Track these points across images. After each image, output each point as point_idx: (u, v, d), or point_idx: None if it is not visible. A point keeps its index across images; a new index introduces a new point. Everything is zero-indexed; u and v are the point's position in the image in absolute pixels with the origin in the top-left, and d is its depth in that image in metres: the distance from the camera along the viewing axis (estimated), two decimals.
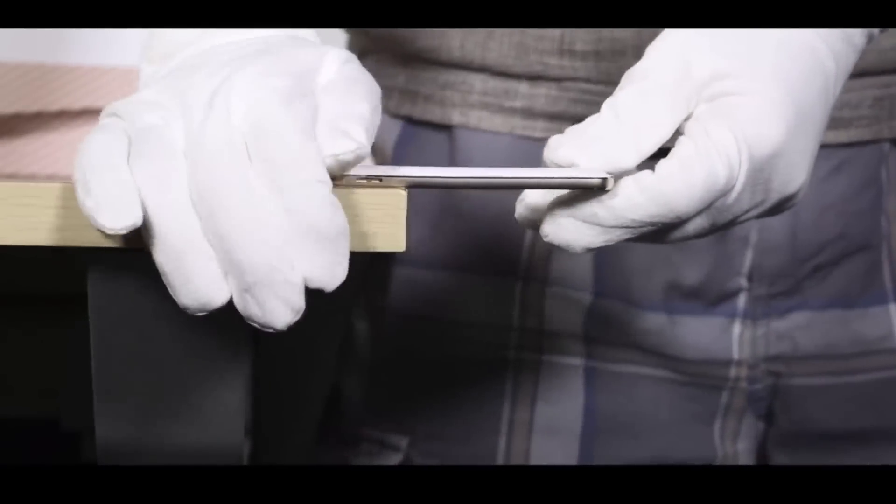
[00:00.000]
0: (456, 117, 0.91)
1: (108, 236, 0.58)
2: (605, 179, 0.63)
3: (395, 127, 0.94)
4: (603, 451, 0.91)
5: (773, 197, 0.67)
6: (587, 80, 0.88)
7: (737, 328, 0.91)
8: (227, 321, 0.65)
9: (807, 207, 0.89)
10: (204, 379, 0.66)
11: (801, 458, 0.92)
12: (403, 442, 0.93)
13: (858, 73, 0.85)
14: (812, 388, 0.91)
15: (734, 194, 0.65)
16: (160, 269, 0.58)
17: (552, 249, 0.89)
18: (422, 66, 0.92)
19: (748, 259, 0.90)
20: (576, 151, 0.63)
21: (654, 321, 0.91)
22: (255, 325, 0.58)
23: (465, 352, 0.92)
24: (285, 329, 0.58)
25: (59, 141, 0.93)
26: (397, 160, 0.93)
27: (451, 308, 0.92)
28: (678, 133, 0.65)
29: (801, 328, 0.91)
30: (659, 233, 0.66)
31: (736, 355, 0.91)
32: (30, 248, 0.61)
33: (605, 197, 0.63)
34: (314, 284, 0.57)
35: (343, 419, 0.97)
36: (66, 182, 0.61)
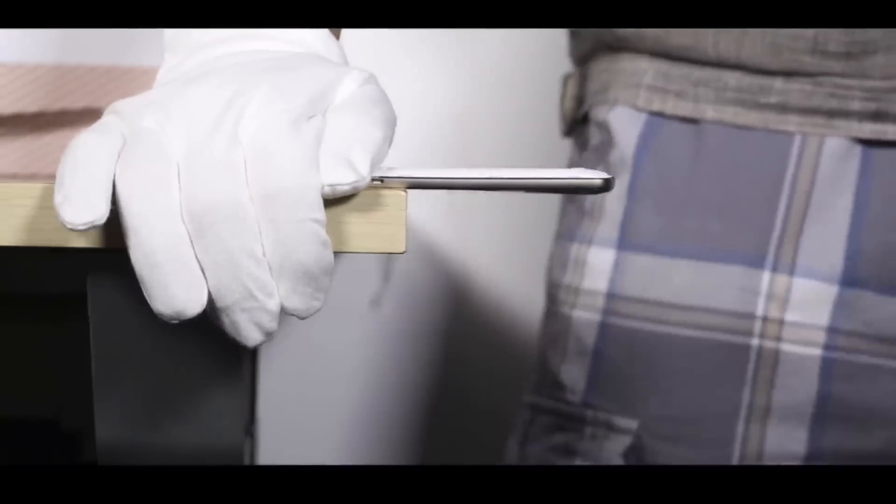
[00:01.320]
0: (710, 112, 0.95)
1: (81, 233, 0.58)
2: (606, 180, 0.63)
3: (639, 121, 0.97)
4: (833, 439, 0.93)
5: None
6: (841, 75, 0.92)
7: None
8: None
9: None
10: (204, 379, 0.66)
11: None
12: (634, 424, 0.95)
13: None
14: None
15: None
16: (136, 272, 0.58)
17: (802, 236, 0.92)
18: (672, 63, 0.96)
19: None
20: None
21: None
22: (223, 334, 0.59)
23: (704, 336, 0.94)
24: (254, 347, 0.60)
25: (60, 141, 0.93)
26: (640, 153, 0.96)
27: (689, 294, 0.94)
28: None
29: None
30: None
31: None
32: (29, 248, 0.61)
33: None
34: (289, 312, 0.59)
35: (562, 406, 0.99)
36: None
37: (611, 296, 0.97)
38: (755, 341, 0.93)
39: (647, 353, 0.95)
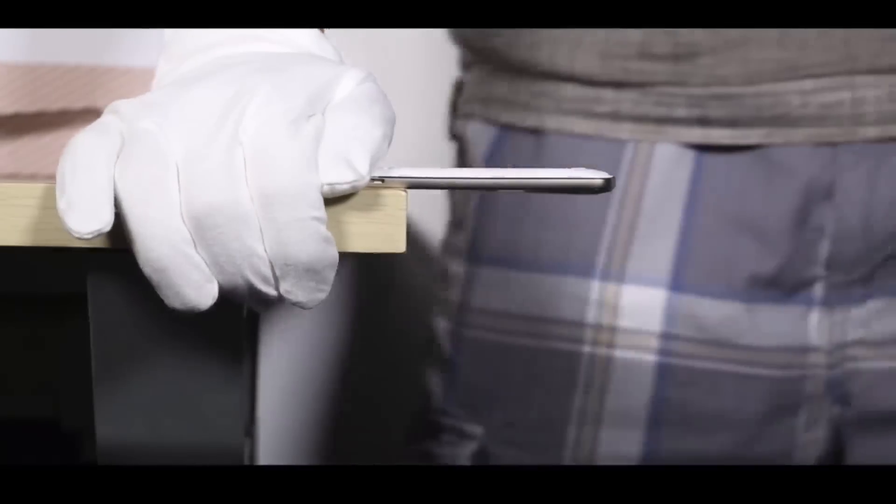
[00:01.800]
0: (551, 123, 0.97)
1: (82, 239, 0.58)
2: (607, 180, 0.63)
3: (490, 133, 1.00)
4: (670, 442, 0.94)
5: None
6: (665, 83, 0.93)
7: (814, 316, 0.94)
8: (228, 321, 0.65)
9: (880, 198, 0.92)
10: (204, 379, 0.66)
11: (875, 438, 0.95)
12: (479, 430, 0.98)
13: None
14: (886, 372, 0.94)
15: None
16: (145, 273, 0.59)
17: (632, 243, 0.94)
18: (519, 76, 0.98)
19: (825, 248, 0.93)
20: None
21: (731, 311, 0.93)
22: None
23: (541, 346, 0.96)
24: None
25: (60, 141, 0.93)
26: (489, 163, 0.98)
27: (527, 304, 0.97)
28: None
29: (876, 315, 0.94)
30: None
31: (814, 342, 0.94)
32: (29, 248, 0.61)
33: None
34: (293, 302, 0.60)
35: (427, 412, 1.02)
36: None
37: (462, 306, 1.00)
38: (587, 349, 0.95)
39: (491, 363, 0.98)
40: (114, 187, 0.58)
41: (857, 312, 0.94)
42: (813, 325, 0.94)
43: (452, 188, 0.63)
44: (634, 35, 0.93)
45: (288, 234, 0.58)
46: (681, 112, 0.93)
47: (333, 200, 0.60)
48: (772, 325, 0.94)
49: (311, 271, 0.59)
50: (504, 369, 0.97)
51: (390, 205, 0.61)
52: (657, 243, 0.94)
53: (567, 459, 0.95)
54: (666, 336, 0.94)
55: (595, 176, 0.63)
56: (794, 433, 0.95)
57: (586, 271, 0.95)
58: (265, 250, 0.58)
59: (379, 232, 0.61)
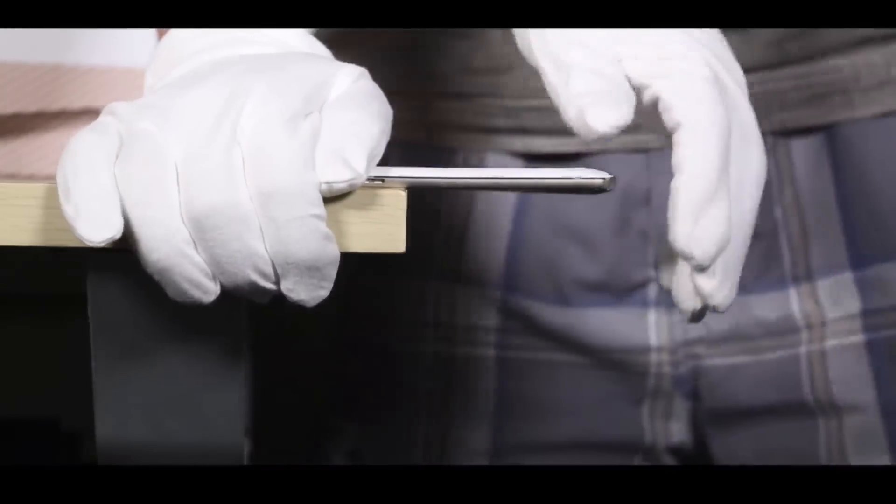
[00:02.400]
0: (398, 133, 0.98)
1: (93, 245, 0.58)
2: (605, 179, 0.63)
3: None
4: (518, 434, 0.95)
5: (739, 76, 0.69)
6: (482, 95, 0.93)
7: (652, 316, 0.94)
8: (227, 321, 0.65)
9: None
10: (204, 379, 0.66)
11: (733, 433, 0.95)
12: (348, 427, 0.99)
13: None
14: (730, 368, 0.94)
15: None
16: (148, 272, 0.59)
17: (463, 251, 0.95)
18: None
19: (651, 252, 0.93)
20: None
21: (564, 315, 0.94)
22: None
23: (394, 348, 0.97)
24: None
25: (59, 141, 0.93)
26: None
27: (375, 305, 0.97)
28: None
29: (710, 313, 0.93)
30: None
31: (654, 342, 0.94)
32: (29, 248, 0.61)
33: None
34: (294, 302, 0.60)
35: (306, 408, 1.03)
36: None
37: (341, 310, 0.99)
38: (429, 347, 0.96)
39: (365, 363, 0.98)
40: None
41: None
42: (651, 325, 0.94)
43: (452, 188, 0.63)
44: (458, 48, 0.93)
45: (288, 233, 0.58)
46: (500, 122, 0.93)
47: (333, 200, 0.60)
48: (607, 326, 0.94)
49: (312, 269, 0.59)
50: (371, 370, 0.98)
51: (390, 204, 0.61)
52: (490, 246, 0.94)
53: (419, 457, 0.96)
54: (503, 330, 0.95)
55: (595, 176, 0.63)
56: (639, 421, 0.95)
57: (425, 271, 0.96)
58: (266, 249, 0.58)
59: (379, 232, 0.61)
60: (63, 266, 0.72)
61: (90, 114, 0.92)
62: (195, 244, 0.58)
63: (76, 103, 0.92)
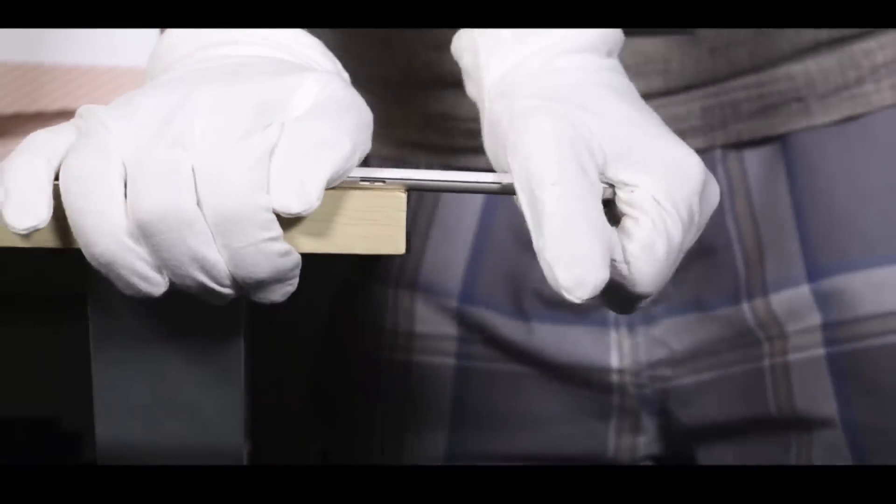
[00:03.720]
0: None
1: (19, 235, 0.57)
2: (604, 188, 0.63)
3: None
4: (474, 443, 0.95)
5: (706, 217, 0.66)
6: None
7: (613, 336, 0.93)
8: (227, 321, 0.65)
9: None
10: (204, 379, 0.66)
11: (717, 447, 0.94)
12: (320, 428, 1.00)
13: (684, 87, 0.88)
14: (698, 385, 0.93)
15: (689, 238, 0.64)
16: (94, 267, 0.58)
17: (423, 259, 0.95)
18: None
19: None
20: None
21: (524, 329, 0.93)
22: None
23: (353, 350, 0.98)
24: None
25: None
26: None
27: (341, 310, 0.98)
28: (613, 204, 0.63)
29: (671, 332, 0.93)
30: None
31: (616, 363, 0.93)
32: (29, 248, 0.61)
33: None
34: (265, 303, 0.59)
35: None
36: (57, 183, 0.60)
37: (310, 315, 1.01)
38: (386, 354, 0.96)
39: (332, 367, 0.99)
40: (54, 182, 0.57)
41: (656, 331, 0.93)
42: (612, 346, 0.93)
43: (452, 191, 0.63)
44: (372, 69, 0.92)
45: (242, 258, 0.57)
46: (439, 140, 0.93)
47: (333, 202, 0.60)
48: (568, 343, 0.93)
49: (274, 281, 0.58)
50: (329, 373, 0.99)
51: (390, 207, 0.60)
52: (451, 253, 0.94)
53: (375, 461, 0.97)
54: (463, 340, 0.94)
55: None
56: (604, 436, 0.95)
57: (384, 279, 0.95)
58: (218, 254, 0.57)
59: (379, 233, 0.60)
60: (63, 266, 0.72)
61: (67, 115, 0.91)
62: (142, 243, 0.57)
63: (76, 103, 0.92)
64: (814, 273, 0.90)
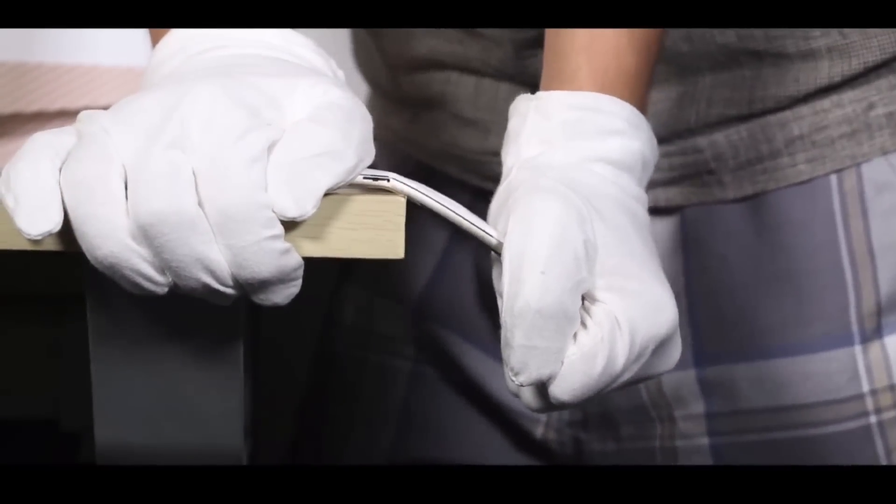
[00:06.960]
0: None
1: (32, 240, 0.58)
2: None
3: None
4: (415, 448, 0.95)
5: (654, 372, 0.66)
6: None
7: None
8: (227, 321, 0.65)
9: None
10: (204, 379, 0.67)
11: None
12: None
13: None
14: (602, 455, 0.92)
15: (627, 376, 0.64)
16: (99, 269, 0.58)
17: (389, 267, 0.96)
18: None
19: None
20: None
21: (470, 356, 0.93)
22: None
23: (306, 350, 1.00)
24: None
25: None
26: None
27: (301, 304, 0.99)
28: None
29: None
30: None
31: (543, 417, 0.92)
32: (28, 249, 0.61)
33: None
34: (268, 305, 0.60)
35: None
36: None
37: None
38: (343, 349, 0.98)
39: (297, 362, 1.03)
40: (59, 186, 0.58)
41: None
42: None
43: (447, 220, 0.63)
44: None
45: (245, 257, 0.57)
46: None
47: (332, 206, 0.60)
48: (505, 385, 0.93)
49: (276, 281, 0.58)
50: (292, 367, 1.02)
51: (390, 211, 0.60)
52: (419, 263, 0.94)
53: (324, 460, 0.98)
54: (418, 348, 0.95)
55: None
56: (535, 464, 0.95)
57: (343, 275, 0.97)
58: (220, 254, 0.57)
59: (378, 238, 0.60)
60: (63, 266, 0.72)
61: (67, 115, 0.92)
62: (145, 246, 0.58)
63: (76, 103, 0.92)
64: (700, 358, 0.87)
